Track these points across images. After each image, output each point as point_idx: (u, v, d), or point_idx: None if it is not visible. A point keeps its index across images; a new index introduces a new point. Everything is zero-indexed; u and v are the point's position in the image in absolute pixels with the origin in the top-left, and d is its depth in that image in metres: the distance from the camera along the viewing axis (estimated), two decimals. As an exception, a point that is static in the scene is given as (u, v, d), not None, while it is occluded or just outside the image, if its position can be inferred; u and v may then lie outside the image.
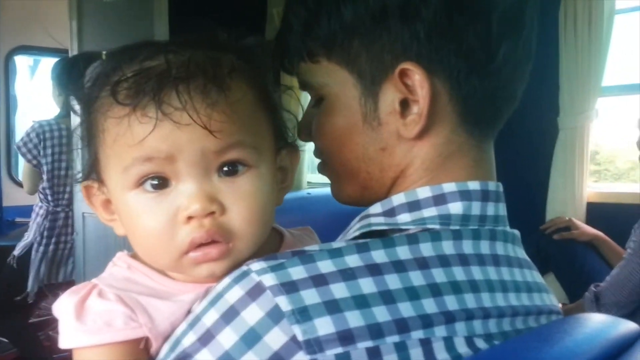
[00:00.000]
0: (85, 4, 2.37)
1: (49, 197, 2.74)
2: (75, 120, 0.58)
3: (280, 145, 0.59)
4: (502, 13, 0.56)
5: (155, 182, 0.51)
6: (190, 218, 0.51)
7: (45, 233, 2.72)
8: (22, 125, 3.51)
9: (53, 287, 2.72)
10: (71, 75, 0.56)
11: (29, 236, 2.76)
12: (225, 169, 0.52)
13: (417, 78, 0.56)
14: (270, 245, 0.60)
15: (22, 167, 2.96)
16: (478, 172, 0.59)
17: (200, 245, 0.52)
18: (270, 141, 0.57)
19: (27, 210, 2.98)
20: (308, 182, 3.36)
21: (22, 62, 3.90)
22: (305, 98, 0.67)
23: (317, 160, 0.67)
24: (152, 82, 0.49)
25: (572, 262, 2.27)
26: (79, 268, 2.45)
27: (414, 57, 0.56)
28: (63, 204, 2.75)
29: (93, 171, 0.57)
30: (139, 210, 0.52)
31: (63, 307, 0.54)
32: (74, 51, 2.43)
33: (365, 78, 0.58)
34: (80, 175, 0.58)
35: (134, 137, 0.50)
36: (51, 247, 2.72)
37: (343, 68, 0.59)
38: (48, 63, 3.62)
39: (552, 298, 0.63)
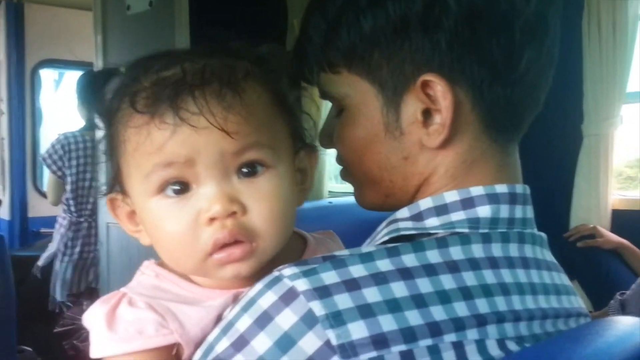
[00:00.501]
0: (109, 18, 2.41)
1: (72, 208, 2.78)
2: (100, 133, 0.59)
3: (298, 146, 0.60)
4: (524, 21, 0.56)
5: (177, 187, 0.53)
6: (212, 220, 0.52)
7: (69, 243, 2.76)
8: (47, 138, 3.58)
9: (77, 297, 2.75)
10: (93, 91, 0.58)
11: (52, 247, 2.80)
12: (245, 170, 0.53)
13: (440, 89, 0.55)
14: (293, 249, 0.60)
15: (47, 178, 3.02)
16: (504, 176, 0.59)
17: (224, 246, 0.52)
18: (287, 142, 0.58)
19: (52, 221, 3.03)
20: (329, 191, 3.36)
21: (47, 75, 3.98)
22: (327, 103, 0.67)
23: (339, 168, 0.67)
24: (169, 89, 0.51)
25: (596, 270, 2.25)
26: (103, 278, 2.47)
27: (436, 68, 0.56)
28: (86, 214, 2.79)
29: (117, 183, 0.58)
30: (161, 216, 0.53)
31: (94, 316, 0.54)
32: (98, 64, 2.47)
33: (386, 89, 0.58)
34: (104, 188, 0.60)
35: (154, 144, 0.51)
36: (75, 257, 2.75)
37: (364, 79, 0.59)
38: (73, 76, 3.70)
39: (580, 301, 0.62)
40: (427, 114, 0.57)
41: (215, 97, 0.51)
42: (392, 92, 0.58)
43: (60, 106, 3.97)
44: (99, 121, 0.58)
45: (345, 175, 0.66)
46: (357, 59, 0.58)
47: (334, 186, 3.39)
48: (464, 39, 0.55)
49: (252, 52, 0.57)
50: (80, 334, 3.06)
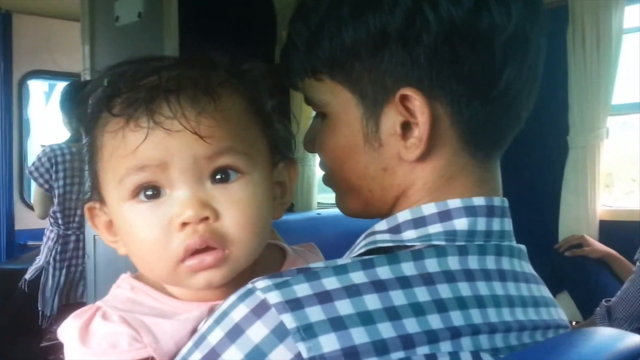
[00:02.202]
0: (97, 29, 2.41)
1: (60, 221, 2.75)
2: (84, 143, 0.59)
3: (277, 158, 0.60)
4: (505, 39, 0.56)
5: (150, 192, 0.53)
6: (184, 225, 0.52)
7: (57, 257, 2.73)
8: (35, 150, 3.55)
9: (65, 311, 2.72)
10: (75, 99, 0.59)
11: (40, 260, 2.77)
12: (218, 176, 0.53)
13: (417, 104, 0.56)
14: (272, 261, 0.60)
15: (34, 191, 2.99)
16: (482, 190, 0.59)
17: (196, 252, 0.52)
18: (264, 152, 0.58)
19: (38, 234, 3.00)
20: (318, 203, 3.36)
21: (36, 86, 3.96)
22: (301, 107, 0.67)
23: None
24: (144, 94, 0.51)
25: (585, 279, 2.27)
26: (90, 291, 2.45)
27: (415, 83, 0.56)
28: (74, 227, 2.76)
29: (94, 190, 0.58)
30: (134, 221, 0.53)
31: (67, 331, 0.54)
32: (86, 75, 2.46)
33: (367, 99, 0.58)
34: (86, 196, 0.59)
35: (128, 147, 0.51)
36: (63, 270, 2.72)
37: (345, 88, 0.59)
38: (62, 88, 3.68)
39: (560, 312, 0.62)
40: (406, 126, 0.57)
41: (189, 102, 0.51)
42: (372, 103, 0.58)
43: (50, 118, 3.95)
44: (81, 130, 0.58)
45: (327, 181, 0.66)
46: (338, 69, 0.59)
47: (323, 197, 3.39)
48: (443, 55, 0.55)
49: (230, 64, 0.58)
50: (66, 348, 3.02)
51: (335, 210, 0.68)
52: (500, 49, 0.56)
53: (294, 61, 0.62)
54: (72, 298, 2.75)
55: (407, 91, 0.56)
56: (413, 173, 0.58)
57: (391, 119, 0.57)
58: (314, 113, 0.65)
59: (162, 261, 0.53)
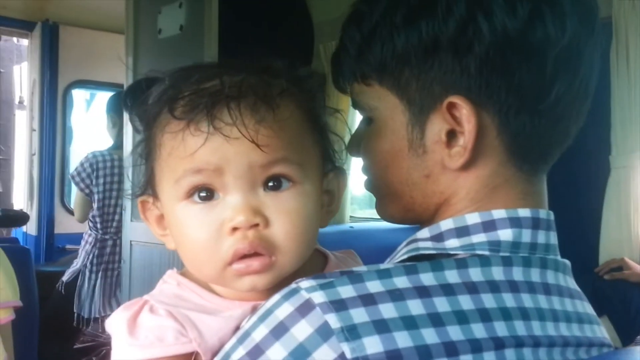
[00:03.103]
0: (140, 41, 2.48)
1: (98, 225, 2.82)
2: (129, 139, 0.60)
3: (328, 168, 0.61)
4: (558, 52, 0.55)
5: (204, 193, 0.54)
6: (234, 229, 0.53)
7: (94, 261, 2.79)
8: (77, 156, 3.65)
9: (98, 314, 2.77)
10: (135, 96, 0.60)
11: (77, 263, 2.84)
12: (271, 183, 0.54)
13: (465, 112, 0.55)
14: (314, 266, 0.61)
15: (74, 195, 3.07)
16: (527, 203, 0.58)
17: (244, 257, 0.53)
18: (316, 162, 0.58)
19: (77, 238, 3.07)
20: (351, 217, 3.35)
21: (79, 95, 4.08)
22: (352, 117, 0.67)
23: (361, 194, 0.68)
24: (206, 99, 0.52)
25: (626, 304, 2.19)
26: (125, 295, 2.49)
27: (463, 91, 0.56)
28: (111, 232, 2.82)
29: (149, 186, 0.60)
30: (187, 221, 0.55)
31: (116, 322, 0.56)
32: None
33: (414, 106, 0.58)
34: (137, 190, 0.61)
35: (187, 150, 0.53)
36: (99, 274, 2.78)
37: (393, 94, 0.59)
38: (103, 97, 3.79)
39: (603, 330, 0.61)
40: (451, 135, 0.57)
41: (249, 110, 0.52)
42: (418, 110, 0.58)
43: (91, 125, 4.06)
44: (137, 125, 0.60)
45: (369, 185, 0.66)
46: (387, 74, 0.59)
47: (355, 212, 3.38)
48: (494, 65, 0.55)
49: (289, 72, 0.59)
50: (99, 351, 3.07)
51: (368, 224, 0.68)
52: (552, 62, 0.55)
53: (344, 66, 0.63)
54: (107, 302, 2.80)
55: (455, 99, 0.56)
56: (456, 182, 0.58)
57: (437, 126, 0.57)
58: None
59: (211, 262, 0.54)
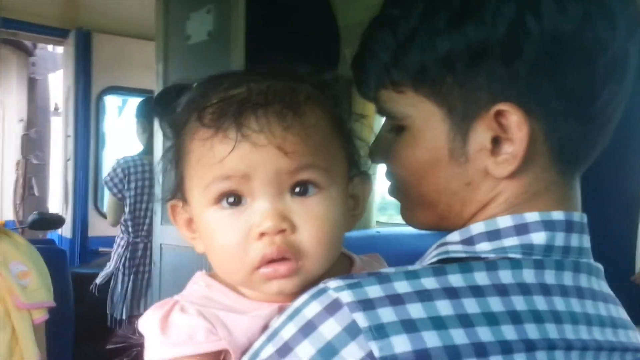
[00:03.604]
0: (170, 47, 2.52)
1: (130, 229, 2.88)
2: (159, 144, 0.62)
3: (353, 172, 0.61)
4: (608, 57, 0.54)
5: (232, 199, 0.55)
6: (262, 234, 0.53)
7: (126, 263, 2.84)
8: (109, 161, 3.73)
9: (131, 316, 2.82)
10: (165, 103, 0.61)
11: (110, 266, 2.90)
12: (297, 189, 0.54)
13: (515, 119, 0.54)
14: (340, 269, 0.61)
15: (107, 199, 3.14)
16: (563, 207, 0.57)
17: (271, 261, 0.54)
18: (342, 167, 0.58)
19: (109, 241, 3.14)
20: (377, 222, 3.34)
21: (111, 101, 4.17)
22: (378, 122, 0.66)
23: (388, 200, 0.67)
24: (234, 107, 0.53)
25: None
26: (155, 297, 2.53)
27: (513, 98, 0.54)
28: (142, 235, 2.87)
29: (179, 191, 0.61)
30: (216, 226, 0.56)
31: (148, 322, 0.57)
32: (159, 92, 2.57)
33: (455, 114, 0.56)
34: (167, 195, 0.62)
35: (215, 157, 0.54)
36: (131, 276, 2.84)
37: (431, 101, 0.57)
38: (134, 102, 3.86)
39: (638, 336, 0.59)
40: (496, 142, 0.55)
41: (276, 117, 0.53)
42: (461, 118, 0.56)
43: (123, 131, 4.15)
44: (167, 131, 0.61)
45: (396, 192, 0.64)
46: (426, 82, 0.57)
47: (382, 217, 3.36)
48: (544, 69, 0.53)
49: (314, 77, 0.59)
50: (131, 352, 3.12)
51: (395, 229, 0.67)
52: (602, 66, 0.54)
53: (372, 72, 0.61)
54: (138, 304, 2.85)
55: (504, 106, 0.54)
56: (496, 188, 0.57)
57: (481, 134, 0.56)
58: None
59: (239, 266, 0.55)
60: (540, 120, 0.54)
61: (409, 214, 0.64)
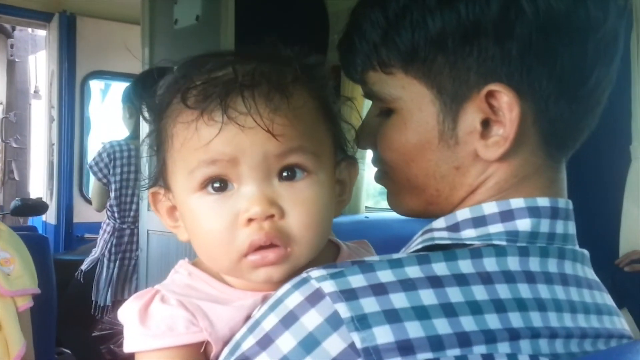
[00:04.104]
0: (156, 31, 2.48)
1: (116, 215, 2.85)
2: (146, 129, 0.60)
3: (339, 157, 0.60)
4: (599, 37, 0.54)
5: (218, 184, 0.53)
6: (250, 220, 0.52)
7: (112, 250, 2.82)
8: (94, 145, 3.69)
9: (116, 302, 2.81)
10: (145, 86, 0.60)
11: (96, 252, 2.88)
12: (285, 173, 0.53)
13: (506, 100, 0.53)
14: (327, 256, 0.60)
15: (92, 184, 3.11)
16: (550, 191, 0.57)
17: (259, 248, 0.53)
18: (329, 151, 0.58)
19: (95, 227, 3.11)
20: (366, 207, 3.35)
21: (94, 85, 4.11)
22: (366, 107, 0.65)
23: (376, 185, 0.66)
24: (220, 88, 0.52)
25: (646, 297, 2.15)
26: (142, 284, 2.52)
27: (504, 78, 0.53)
28: (129, 221, 2.85)
29: (160, 177, 0.59)
30: (201, 212, 0.54)
31: (128, 312, 0.56)
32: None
33: (445, 95, 0.55)
34: (148, 182, 0.61)
35: (200, 140, 0.52)
36: (117, 263, 2.82)
37: (421, 82, 0.56)
38: (118, 87, 3.81)
39: (623, 322, 0.60)
40: (485, 124, 0.55)
41: (263, 99, 0.51)
42: (450, 99, 0.55)
43: (106, 115, 4.10)
44: (148, 115, 0.59)
45: (383, 178, 0.63)
46: (417, 62, 0.56)
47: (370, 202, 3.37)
48: (536, 49, 0.52)
49: (300, 60, 0.57)
50: (117, 339, 3.12)
51: (383, 214, 0.67)
52: (593, 46, 0.54)
53: (360, 52, 0.59)
54: (126, 290, 2.84)
55: (496, 87, 0.53)
56: (486, 172, 0.57)
57: (471, 116, 0.55)
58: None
59: (226, 254, 0.54)
60: (530, 101, 0.54)
61: (396, 200, 0.63)
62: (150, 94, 0.58)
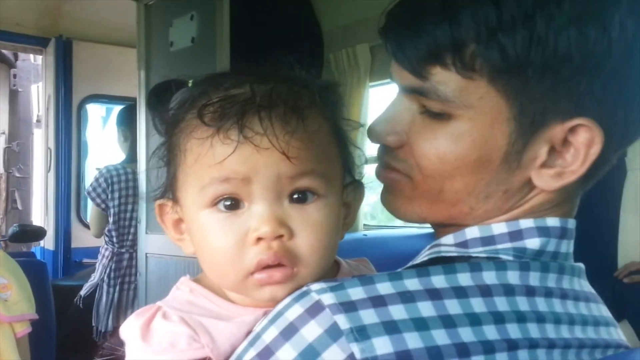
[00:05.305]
0: (152, 54, 2.50)
1: (114, 239, 2.84)
2: (149, 152, 0.60)
3: (347, 180, 0.60)
4: None
5: (229, 202, 0.53)
6: (259, 239, 0.52)
7: (111, 274, 2.81)
8: (92, 171, 3.69)
9: (117, 327, 2.78)
10: (160, 98, 0.60)
11: (95, 277, 2.86)
12: (296, 196, 0.53)
13: (586, 136, 0.52)
14: (327, 274, 0.60)
15: (90, 210, 3.10)
16: (561, 212, 0.57)
17: (266, 267, 0.53)
18: (339, 174, 0.58)
19: (93, 252, 3.10)
20: (364, 225, 3.34)
21: (94, 110, 4.13)
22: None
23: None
24: (237, 107, 0.52)
25: (647, 309, 2.15)
26: (142, 306, 2.50)
27: (595, 114, 0.52)
28: (127, 245, 2.84)
29: (169, 190, 0.59)
30: (211, 228, 0.54)
31: (130, 328, 0.56)
32: (141, 99, 2.55)
33: (525, 117, 0.52)
34: (156, 193, 0.61)
35: (215, 158, 0.52)
36: (117, 287, 2.80)
37: (503, 97, 0.52)
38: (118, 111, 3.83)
39: (620, 332, 0.60)
40: (550, 153, 0.54)
41: (280, 121, 0.51)
42: (529, 122, 0.52)
43: (107, 140, 4.10)
44: (160, 128, 0.59)
45: (399, 180, 0.59)
46: (511, 75, 0.51)
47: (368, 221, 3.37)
48: (618, 83, 0.52)
49: (316, 82, 0.57)
50: (117, 364, 3.08)
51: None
52: None
53: (428, 39, 0.52)
54: (126, 315, 2.81)
55: (585, 122, 0.52)
56: (526, 197, 0.56)
57: (541, 143, 0.53)
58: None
59: (233, 271, 0.54)
60: (607, 138, 0.53)
61: (407, 205, 0.60)
62: (165, 106, 0.58)
